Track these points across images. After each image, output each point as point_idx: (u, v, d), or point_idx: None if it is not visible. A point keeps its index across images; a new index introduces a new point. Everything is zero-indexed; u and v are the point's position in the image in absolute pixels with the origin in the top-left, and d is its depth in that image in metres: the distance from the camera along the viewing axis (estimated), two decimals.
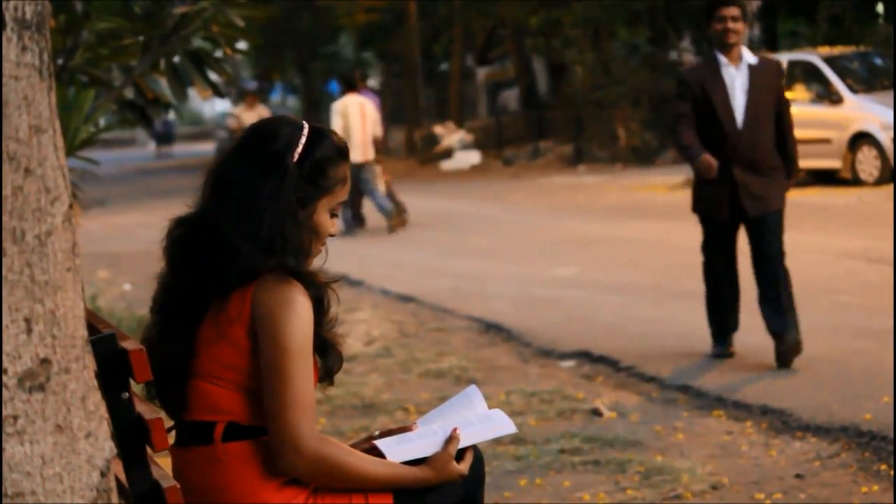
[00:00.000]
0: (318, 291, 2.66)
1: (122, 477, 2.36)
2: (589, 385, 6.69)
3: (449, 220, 15.72)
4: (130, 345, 2.36)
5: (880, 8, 20.44)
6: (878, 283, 8.77)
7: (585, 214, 15.41)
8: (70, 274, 2.00)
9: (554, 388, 6.55)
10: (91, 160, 5.56)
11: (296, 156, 2.67)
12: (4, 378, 1.91)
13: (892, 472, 4.88)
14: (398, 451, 2.73)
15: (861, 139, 16.17)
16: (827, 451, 5.23)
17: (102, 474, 2.02)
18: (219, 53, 6.01)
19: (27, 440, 1.93)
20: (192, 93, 6.36)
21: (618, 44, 24.93)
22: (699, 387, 6.41)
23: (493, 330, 8.31)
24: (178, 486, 2.37)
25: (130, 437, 2.34)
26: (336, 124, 14.02)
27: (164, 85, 6.02)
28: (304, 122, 2.76)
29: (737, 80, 6.69)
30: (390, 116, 34.38)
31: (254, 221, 2.61)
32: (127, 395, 2.35)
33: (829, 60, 17.12)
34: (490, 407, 2.92)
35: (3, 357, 1.91)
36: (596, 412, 6.06)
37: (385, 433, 2.83)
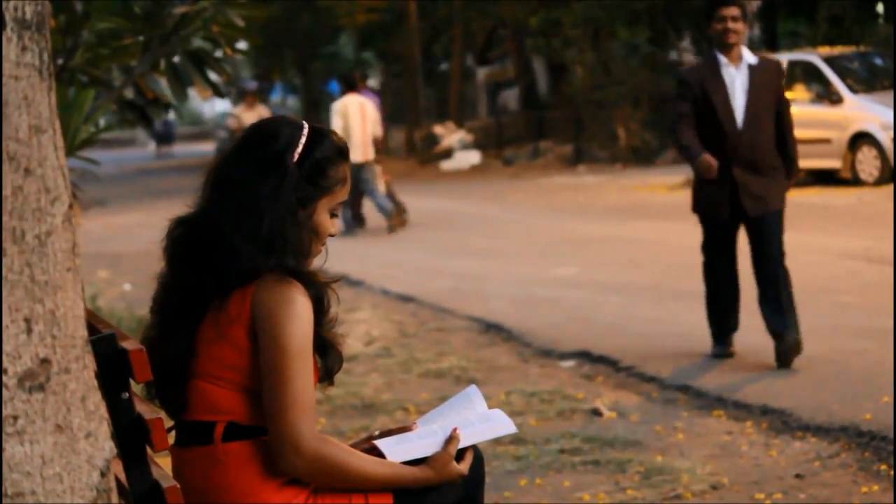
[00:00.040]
0: (318, 291, 2.66)
1: (122, 477, 2.36)
2: (589, 385, 6.69)
3: (449, 220, 15.72)
4: (130, 345, 2.36)
5: (880, 8, 20.44)
6: (878, 283, 8.77)
7: (585, 214, 15.41)
8: (70, 274, 2.00)
9: (554, 388, 6.55)
10: (91, 160, 5.56)
11: (296, 156, 2.67)
12: (4, 378, 1.91)
13: (892, 472, 4.88)
14: (398, 451, 2.73)
15: (861, 139, 16.17)
16: (827, 451, 5.23)
17: (102, 474, 2.02)
18: (219, 53, 6.00)
19: (27, 440, 1.93)
20: (192, 93, 6.37)
21: (618, 44, 24.92)
22: (699, 387, 6.41)
23: (493, 330, 8.31)
24: (178, 486, 2.37)
25: (130, 437, 2.34)
26: (336, 124, 14.03)
27: (164, 85, 6.01)
28: (304, 122, 2.76)
29: (737, 80, 6.69)
30: (390, 116, 34.41)
31: (254, 221, 2.61)
32: (127, 395, 2.35)
33: (829, 60, 17.12)
34: (490, 407, 2.92)
35: (3, 357, 1.91)
36: (596, 412, 6.06)
37: (385, 433, 2.83)
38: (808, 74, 16.89)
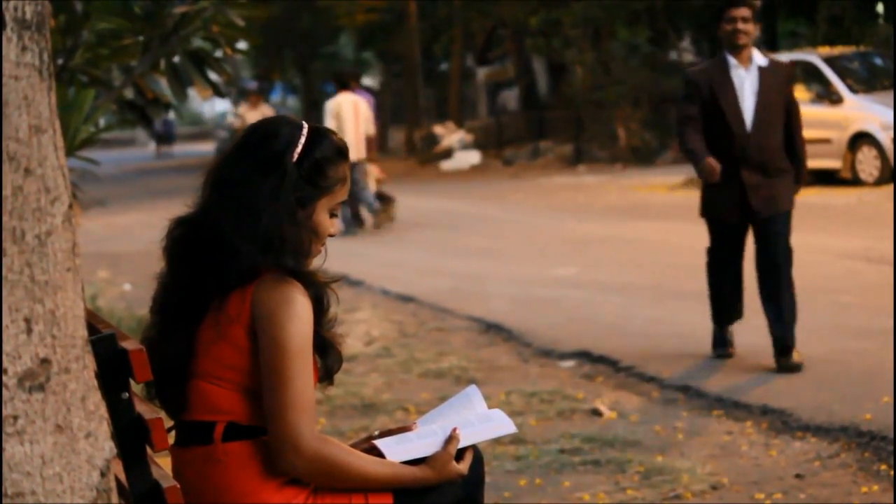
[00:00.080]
0: (318, 291, 2.66)
1: (122, 477, 2.36)
2: (589, 385, 6.69)
3: (449, 220, 15.72)
4: (130, 345, 2.36)
5: (880, 8, 20.44)
6: (878, 283, 8.77)
7: (585, 214, 15.41)
8: (70, 274, 2.00)
9: (554, 388, 6.55)
10: (91, 160, 5.56)
11: (295, 156, 2.67)
12: (4, 378, 1.91)
13: (892, 472, 4.88)
14: (398, 450, 2.73)
15: (861, 139, 16.17)
16: (827, 451, 5.22)
17: (102, 474, 2.02)
18: (219, 53, 6.00)
19: (27, 440, 1.93)
20: (192, 93, 6.37)
21: (618, 44, 24.93)
22: (699, 387, 6.40)
23: (493, 330, 8.31)
24: (178, 486, 2.37)
25: (130, 437, 2.34)
26: (329, 123, 14.04)
27: (164, 85, 6.01)
28: (303, 122, 2.76)
29: (746, 81, 6.63)
30: (390, 116, 34.44)
31: (253, 221, 2.61)
32: (127, 395, 2.35)
33: (829, 60, 17.12)
34: (490, 407, 2.92)
35: (3, 357, 1.91)
36: (596, 412, 6.06)
37: (385, 433, 2.83)
38: (808, 74, 16.89)
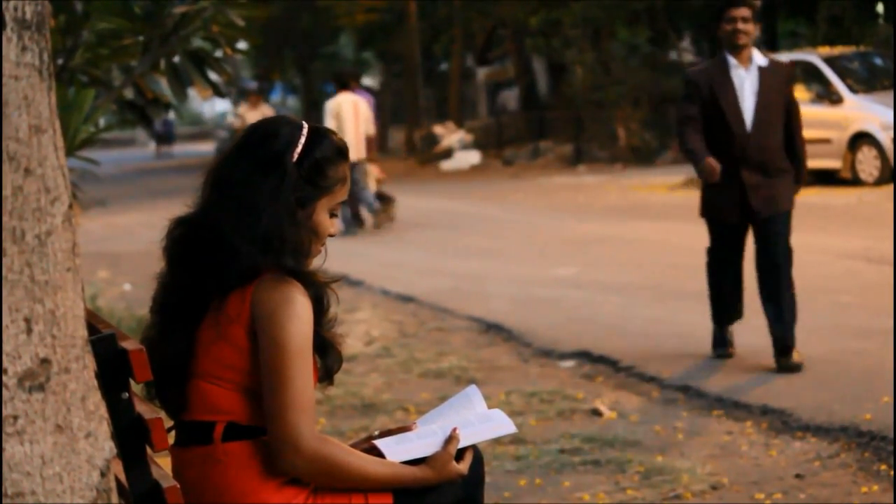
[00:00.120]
0: (318, 291, 2.66)
1: (122, 477, 2.36)
2: (589, 385, 6.69)
3: (449, 220, 15.72)
4: (130, 345, 2.36)
5: (880, 8, 20.45)
6: (878, 283, 8.77)
7: (585, 214, 15.41)
8: (70, 274, 2.00)
9: (554, 388, 6.55)
10: (91, 160, 5.56)
11: (295, 155, 2.67)
12: (4, 378, 1.91)
13: (892, 472, 4.88)
14: (398, 450, 2.73)
15: (861, 139, 16.17)
16: (827, 451, 5.22)
17: (102, 474, 2.02)
18: (219, 53, 6.00)
19: (27, 440, 1.93)
20: (192, 93, 6.37)
21: (618, 44, 24.94)
22: (699, 387, 6.40)
23: (493, 330, 8.31)
24: (178, 486, 2.37)
25: (130, 437, 2.34)
26: (329, 123, 14.04)
27: (164, 85, 6.01)
28: (303, 122, 2.76)
29: (746, 81, 6.62)
30: (390, 116, 34.45)
31: (253, 221, 2.61)
32: (127, 395, 2.35)
33: (829, 60, 17.12)
34: (490, 407, 2.92)
35: (3, 357, 1.91)
36: (596, 412, 6.06)
37: (385, 433, 2.83)
38: (808, 74, 16.90)
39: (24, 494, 1.92)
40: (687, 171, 15.86)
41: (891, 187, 14.57)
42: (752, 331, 7.04)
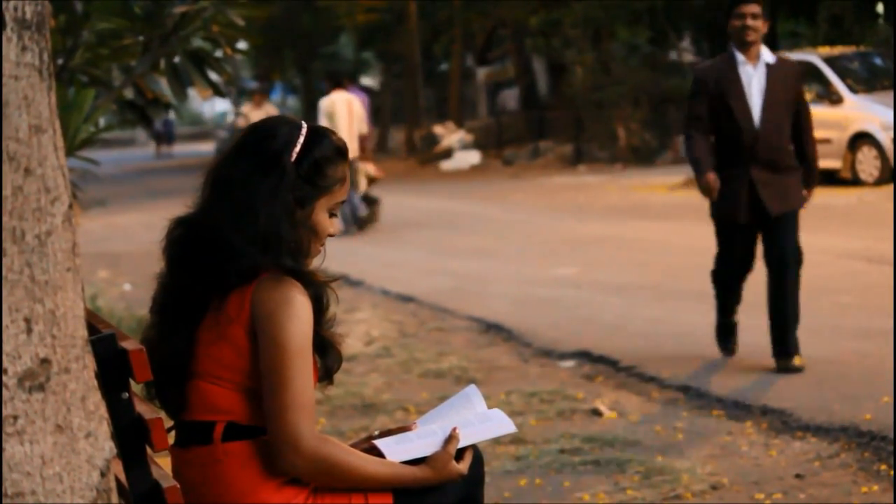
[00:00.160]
0: (317, 291, 2.66)
1: (122, 477, 2.36)
2: (589, 385, 6.69)
3: (449, 220, 15.72)
4: (130, 345, 2.36)
5: (880, 8, 20.45)
6: (878, 284, 8.77)
7: (585, 214, 15.41)
8: (70, 274, 2.00)
9: (554, 388, 6.55)
10: (91, 160, 5.56)
11: (294, 155, 2.67)
12: (4, 378, 1.91)
13: (892, 472, 4.88)
14: (398, 450, 2.73)
15: (861, 139, 16.17)
16: (827, 451, 5.22)
17: (102, 474, 2.02)
18: (219, 53, 6.01)
19: (27, 440, 1.93)
20: (192, 93, 6.36)
21: (618, 44, 24.96)
22: (699, 387, 6.40)
23: (493, 330, 8.31)
24: (178, 486, 2.37)
25: (130, 437, 2.34)
26: (323, 122, 14.04)
27: (164, 85, 6.01)
28: (302, 122, 2.76)
29: (754, 78, 6.56)
30: (390, 116, 34.45)
31: (252, 221, 2.61)
32: (127, 395, 2.35)
33: (829, 60, 17.12)
34: (490, 407, 2.92)
35: (3, 357, 1.91)
36: (596, 412, 6.06)
37: (385, 433, 2.83)
38: (809, 74, 16.89)
39: (24, 494, 1.92)
40: (687, 172, 15.85)
41: (891, 187, 14.57)
42: (752, 331, 7.04)
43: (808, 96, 16.42)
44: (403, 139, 31.75)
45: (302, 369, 2.57)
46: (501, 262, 11.60)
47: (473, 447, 2.81)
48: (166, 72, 5.77)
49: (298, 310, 2.58)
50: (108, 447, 2.04)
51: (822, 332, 7.30)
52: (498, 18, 29.72)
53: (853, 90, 16.63)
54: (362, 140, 14.79)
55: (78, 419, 1.99)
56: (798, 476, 4.94)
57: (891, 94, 15.92)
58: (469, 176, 24.27)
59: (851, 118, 16.30)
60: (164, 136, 42.65)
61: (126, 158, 39.01)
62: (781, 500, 4.69)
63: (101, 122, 6.31)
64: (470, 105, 34.32)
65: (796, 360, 6.53)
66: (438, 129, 28.56)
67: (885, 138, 15.76)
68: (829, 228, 11.94)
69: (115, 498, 2.06)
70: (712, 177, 6.47)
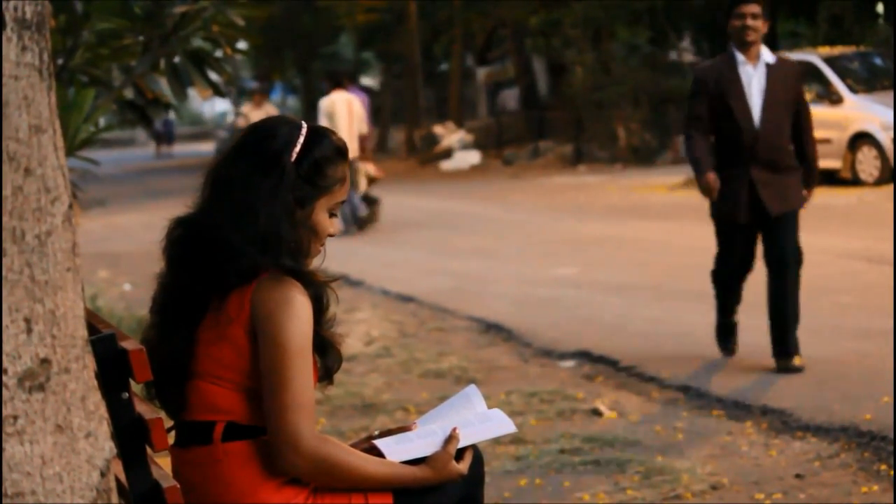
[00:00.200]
0: (317, 290, 2.66)
1: (122, 477, 2.36)
2: (589, 385, 6.69)
3: (449, 220, 15.72)
4: (130, 345, 2.36)
5: (880, 8, 20.45)
6: (878, 284, 8.77)
7: (585, 214, 15.41)
8: (70, 274, 2.00)
9: (554, 388, 6.55)
10: (91, 160, 5.56)
11: (294, 155, 2.67)
12: (4, 378, 1.91)
13: (892, 472, 4.88)
14: (398, 450, 2.73)
15: (861, 139, 16.17)
16: (827, 451, 5.22)
17: (102, 474, 2.02)
18: (219, 53, 6.01)
19: (27, 440, 1.93)
20: (192, 93, 6.36)
21: (618, 44, 24.95)
22: (699, 387, 6.40)
23: (493, 330, 8.31)
24: (178, 486, 2.37)
25: (130, 437, 2.34)
26: (322, 122, 14.04)
27: (164, 85, 6.01)
28: (302, 122, 2.76)
29: (754, 78, 6.54)
30: (390, 116, 34.45)
31: (251, 221, 2.62)
32: (127, 395, 2.35)
33: (829, 60, 17.12)
34: (490, 407, 2.92)
35: (3, 357, 1.91)
36: (596, 412, 6.06)
37: (385, 433, 2.83)
38: (809, 74, 16.89)
39: (24, 494, 1.92)
40: (687, 172, 15.85)
41: (891, 187, 14.57)
42: (752, 331, 7.03)
43: (808, 96, 16.48)
44: (403, 139, 31.75)
45: (302, 369, 2.57)
46: (501, 262, 11.60)
47: (473, 447, 2.81)
48: (166, 72, 5.77)
49: (298, 310, 2.58)
50: (108, 447, 2.04)
51: (822, 332, 7.30)
52: (498, 18, 29.72)
53: (853, 90, 16.63)
54: (362, 140, 14.79)
55: (78, 419, 1.99)
56: (798, 476, 4.94)
57: (891, 94, 15.92)
58: (469, 176, 24.27)
59: (851, 118, 16.30)
60: (164, 136, 42.66)
61: (126, 158, 39.01)
62: (781, 500, 4.69)
63: (101, 122, 6.31)
64: (470, 105, 34.32)
65: (796, 360, 6.53)
66: (438, 129, 28.56)
67: (885, 138, 15.76)
68: (829, 228, 11.94)
69: (115, 498, 2.06)
70: (712, 177, 6.47)
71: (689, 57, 24.29)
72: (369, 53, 39.69)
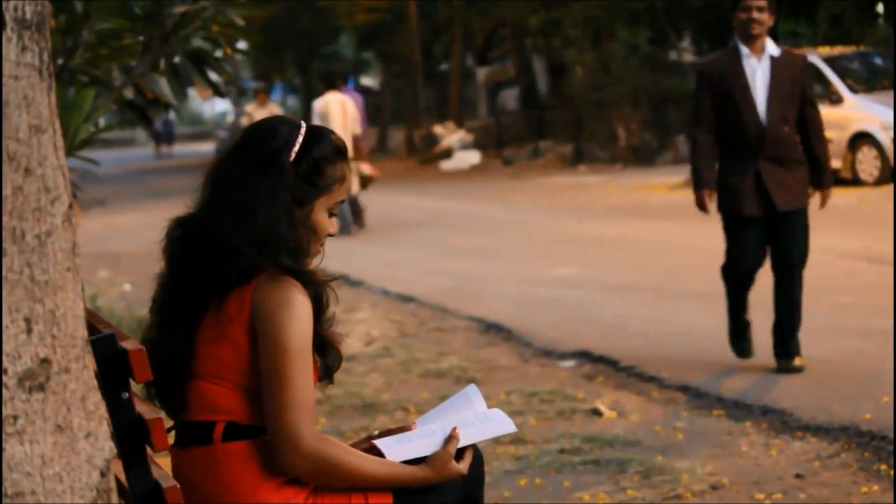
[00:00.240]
0: (317, 290, 2.66)
1: (122, 477, 2.36)
2: (589, 385, 6.69)
3: (449, 220, 15.72)
4: (130, 345, 2.36)
5: (880, 8, 20.45)
6: (878, 284, 8.77)
7: (585, 214, 15.41)
8: (70, 274, 2.00)
9: (554, 388, 6.55)
10: (91, 160, 5.56)
11: (293, 155, 2.68)
12: (4, 378, 1.91)
13: (892, 472, 4.88)
14: (398, 450, 2.73)
15: (861, 139, 16.17)
16: (827, 451, 5.22)
17: (102, 474, 2.02)
18: (219, 53, 6.01)
19: (27, 440, 1.93)
20: (192, 93, 6.37)
21: (618, 44, 24.95)
22: (699, 387, 6.40)
23: (493, 330, 8.31)
24: (178, 486, 2.37)
25: (130, 437, 2.34)
26: (317, 123, 13.99)
27: (164, 85, 6.01)
28: (301, 121, 2.76)
29: (758, 71, 6.48)
30: (390, 116, 34.45)
31: (251, 220, 2.62)
32: (127, 395, 2.35)
33: (829, 60, 17.11)
34: (490, 407, 2.92)
35: (3, 357, 1.91)
36: (596, 412, 6.06)
37: (385, 433, 2.83)
38: None
39: (24, 494, 1.92)
40: (687, 172, 15.85)
41: (891, 187, 14.57)
42: (752, 330, 7.02)
43: None
44: (403, 139, 31.76)
45: (302, 369, 2.57)
46: (501, 262, 11.60)
47: (473, 447, 2.81)
48: (166, 72, 5.78)
49: (298, 309, 2.58)
50: (108, 447, 2.04)
51: (822, 332, 7.29)
52: (498, 18, 29.73)
53: (853, 90, 16.63)
54: (356, 140, 14.79)
55: (78, 419, 1.99)
56: (798, 476, 4.94)
57: (891, 94, 15.92)
58: (469, 176, 24.27)
59: (851, 118, 16.29)
60: (164, 136, 42.69)
61: (126, 158, 39.02)
62: (781, 500, 4.69)
63: (101, 122, 6.31)
64: (470, 105, 34.33)
65: (797, 361, 6.52)
66: (438, 129, 28.57)
67: (885, 138, 15.75)
68: (829, 228, 11.91)
69: (115, 498, 2.06)
70: (707, 193, 6.47)
71: (689, 57, 24.28)
72: (369, 53, 39.70)
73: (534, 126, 27.99)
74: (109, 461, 2.04)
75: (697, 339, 7.31)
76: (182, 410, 2.68)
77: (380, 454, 2.71)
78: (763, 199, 6.47)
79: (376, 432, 2.86)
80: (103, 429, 2.04)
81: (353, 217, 15.05)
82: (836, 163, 16.26)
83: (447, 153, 27.16)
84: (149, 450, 2.39)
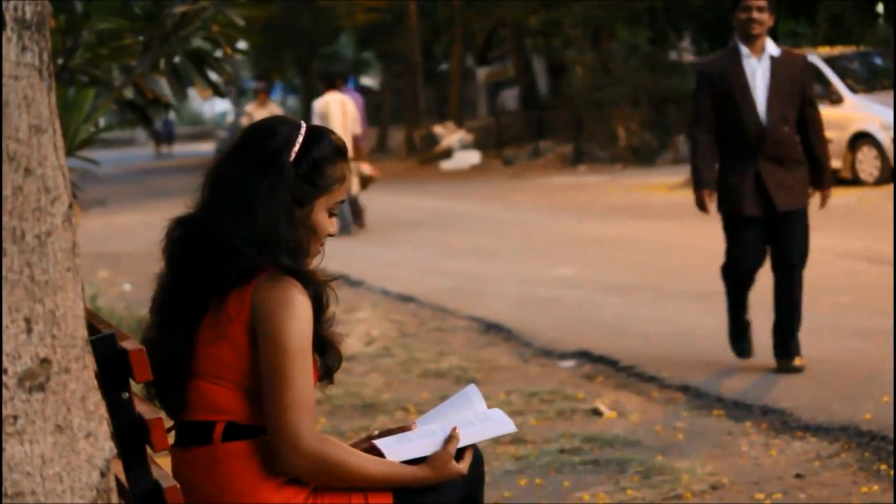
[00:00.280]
0: (317, 290, 2.66)
1: (122, 477, 2.36)
2: (589, 385, 6.69)
3: (449, 220, 15.72)
4: (130, 345, 2.36)
5: (880, 8, 20.45)
6: (878, 284, 8.77)
7: (585, 214, 15.41)
8: (70, 274, 2.00)
9: (554, 388, 6.55)
10: (91, 160, 5.56)
11: (293, 155, 2.68)
12: (4, 378, 1.91)
13: (892, 472, 4.88)
14: (398, 450, 2.73)
15: (861, 139, 16.17)
16: (827, 451, 5.22)
17: (102, 474, 2.02)
18: (219, 53, 6.01)
19: (27, 440, 1.93)
20: (192, 93, 6.37)
21: (618, 44, 24.95)
22: (699, 387, 6.40)
23: (493, 330, 8.31)
24: (178, 486, 2.37)
25: (130, 437, 2.34)
26: (316, 123, 13.99)
27: (164, 85, 6.01)
28: (301, 121, 2.76)
29: (758, 71, 6.48)
30: (390, 116, 34.45)
31: (250, 220, 2.62)
32: (127, 395, 2.35)
33: (829, 60, 17.11)
34: (490, 407, 2.92)
35: (3, 357, 1.91)
36: (596, 412, 6.06)
37: (385, 433, 2.83)
38: None
39: (24, 494, 1.92)
40: (687, 172, 15.86)
41: (891, 187, 14.57)
42: (752, 330, 7.02)
43: None
44: (403, 139, 31.76)
45: (302, 369, 2.57)
46: (501, 262, 11.60)
47: (473, 447, 2.81)
48: (166, 72, 5.78)
49: (298, 309, 2.58)
50: (108, 447, 2.04)
51: (822, 332, 7.29)
52: (498, 18, 29.73)
53: (853, 90, 16.63)
54: (356, 140, 14.79)
55: (78, 419, 1.99)
56: (798, 476, 4.94)
57: (891, 94, 15.92)
58: (469, 176, 24.27)
59: (851, 118, 16.29)
60: (164, 136, 42.70)
61: (126, 158, 39.02)
62: (781, 500, 4.69)
63: (101, 122, 6.31)
64: (470, 105, 34.34)
65: (797, 361, 6.52)
66: (438, 129, 28.57)
67: (885, 138, 15.75)
68: (829, 228, 11.91)
69: (115, 498, 2.06)
70: (706, 194, 6.47)
71: (689, 57, 24.29)
72: (369, 53, 39.70)
73: (534, 126, 27.99)
74: (109, 461, 2.04)
75: (697, 339, 7.31)
76: (182, 410, 2.68)
77: (380, 454, 2.71)
78: (763, 199, 6.47)
79: (376, 432, 2.86)
80: (103, 429, 2.04)
81: (353, 217, 15.05)
82: (836, 163, 16.26)
83: (447, 153, 27.16)
84: (149, 450, 2.39)
